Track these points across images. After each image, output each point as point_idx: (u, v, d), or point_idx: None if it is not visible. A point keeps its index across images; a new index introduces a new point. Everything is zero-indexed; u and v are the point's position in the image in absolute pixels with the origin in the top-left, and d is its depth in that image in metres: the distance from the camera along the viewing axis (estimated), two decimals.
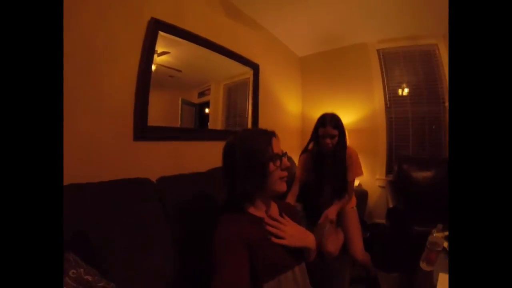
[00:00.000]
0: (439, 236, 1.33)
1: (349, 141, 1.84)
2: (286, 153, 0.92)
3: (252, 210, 0.90)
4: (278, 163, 0.86)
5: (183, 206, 1.19)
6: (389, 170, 2.85)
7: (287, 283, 0.82)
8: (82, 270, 0.69)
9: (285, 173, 0.89)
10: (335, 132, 1.60)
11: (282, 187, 0.89)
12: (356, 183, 2.71)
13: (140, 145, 1.43)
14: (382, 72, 2.95)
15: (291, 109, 3.16)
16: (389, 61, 2.98)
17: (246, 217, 0.87)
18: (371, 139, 2.89)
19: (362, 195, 2.53)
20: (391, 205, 2.08)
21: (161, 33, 1.51)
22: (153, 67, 1.50)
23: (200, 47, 1.80)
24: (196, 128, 1.89)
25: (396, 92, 2.93)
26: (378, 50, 2.96)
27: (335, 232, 1.29)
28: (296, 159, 2.21)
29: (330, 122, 1.60)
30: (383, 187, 2.80)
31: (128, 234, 0.96)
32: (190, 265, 1.08)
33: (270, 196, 0.93)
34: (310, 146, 1.78)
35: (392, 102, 2.94)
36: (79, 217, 0.88)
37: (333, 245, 1.13)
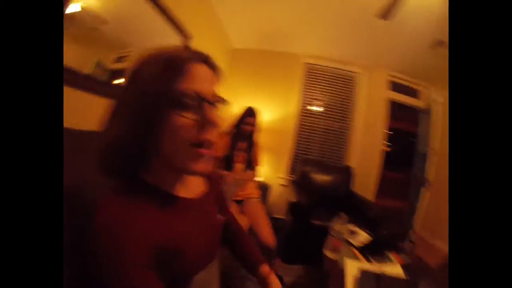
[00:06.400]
0: (342, 225, 1.55)
1: (260, 136, 2.30)
2: (222, 99, 0.53)
3: (155, 181, 0.52)
4: (189, 113, 0.46)
5: None
6: (292, 171, 3.16)
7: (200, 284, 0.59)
8: None
9: (204, 137, 0.47)
10: (254, 122, 2.05)
11: (196, 163, 0.48)
12: (260, 178, 2.87)
13: None
14: (302, 83, 3.31)
15: None
16: (312, 76, 3.34)
17: (146, 193, 0.50)
18: (280, 140, 3.19)
19: (263, 189, 2.69)
20: (293, 200, 2.31)
21: None
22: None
23: None
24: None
25: (314, 103, 3.33)
26: (305, 64, 3.28)
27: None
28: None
29: (255, 114, 2.06)
30: (285, 185, 3.09)
31: None
32: None
33: (178, 170, 0.53)
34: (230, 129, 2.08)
35: (307, 112, 3.32)
36: None
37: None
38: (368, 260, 1.46)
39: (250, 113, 2.05)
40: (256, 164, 2.13)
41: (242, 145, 2.04)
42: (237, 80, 3.31)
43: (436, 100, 3.34)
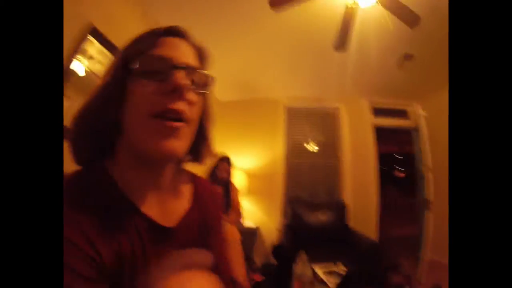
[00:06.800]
0: (304, 265, 1.56)
1: (249, 184, 2.73)
2: (192, 67, 0.42)
3: (118, 175, 0.42)
4: (154, 80, 0.39)
5: None
6: (285, 214, 3.18)
7: None
8: None
9: (170, 106, 0.38)
10: (229, 169, 2.30)
11: (160, 140, 0.38)
12: (252, 225, 2.99)
13: None
14: (286, 126, 3.48)
15: None
16: (295, 117, 3.53)
17: (107, 187, 0.40)
18: (270, 184, 3.27)
19: (252, 234, 2.78)
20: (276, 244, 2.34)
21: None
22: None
23: None
24: None
25: (300, 144, 3.46)
26: (285, 107, 3.52)
27: None
28: None
29: (229, 161, 2.33)
30: (279, 230, 3.10)
31: None
32: None
33: (141, 153, 0.41)
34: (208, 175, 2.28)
35: (296, 152, 3.43)
36: None
37: None
38: None
39: (224, 160, 2.30)
40: (236, 208, 2.27)
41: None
42: (223, 131, 3.58)
43: (421, 115, 3.31)
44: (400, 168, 7.46)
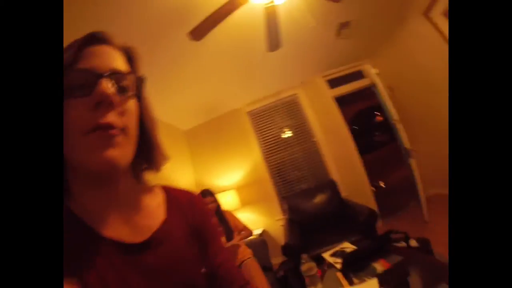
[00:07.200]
0: (310, 263, 1.64)
1: (242, 196, 2.82)
2: (118, 72, 0.39)
3: (77, 205, 0.39)
4: (81, 95, 0.36)
5: None
6: (284, 210, 3.27)
7: None
8: None
9: (102, 120, 0.36)
10: (214, 199, 2.31)
11: (96, 152, 0.36)
12: (259, 231, 3.02)
13: None
14: (255, 130, 3.54)
15: (183, 184, 3.28)
16: (259, 118, 3.58)
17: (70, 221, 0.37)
18: (261, 188, 3.34)
19: (261, 241, 2.79)
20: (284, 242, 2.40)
21: None
22: None
23: None
24: None
25: (275, 139, 3.52)
26: (248, 112, 3.56)
27: None
28: None
29: (211, 192, 2.33)
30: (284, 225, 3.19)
31: None
32: None
33: (85, 172, 0.38)
34: None
35: (273, 149, 3.49)
36: None
37: None
38: (351, 283, 1.52)
39: (206, 194, 2.30)
40: (239, 228, 2.30)
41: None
42: (198, 159, 3.59)
43: (373, 73, 3.43)
44: (377, 113, 7.65)
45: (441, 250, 1.79)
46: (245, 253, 2.16)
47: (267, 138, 3.54)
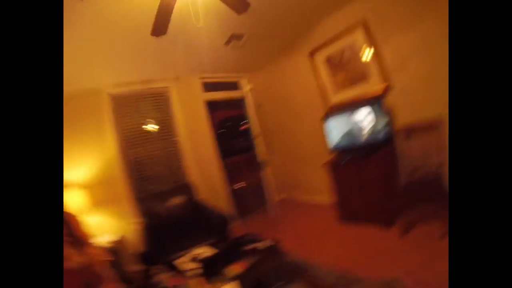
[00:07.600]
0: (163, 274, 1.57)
1: (90, 196, 2.32)
2: None
3: None
4: None
5: None
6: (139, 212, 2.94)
7: None
8: None
9: None
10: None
11: None
12: (112, 237, 2.57)
13: None
14: (114, 117, 2.97)
15: None
16: (122, 104, 3.07)
17: None
18: (112, 188, 2.80)
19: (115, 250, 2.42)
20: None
21: None
22: None
23: None
24: None
25: (136, 131, 3.13)
26: (109, 95, 2.96)
27: None
28: None
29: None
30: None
31: None
32: None
33: None
34: None
35: (132, 142, 3.08)
36: None
37: None
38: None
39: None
40: (85, 240, 1.87)
41: None
42: None
43: (247, 88, 3.78)
44: (244, 122, 8.39)
45: (290, 247, 2.13)
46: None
47: (127, 127, 3.07)
